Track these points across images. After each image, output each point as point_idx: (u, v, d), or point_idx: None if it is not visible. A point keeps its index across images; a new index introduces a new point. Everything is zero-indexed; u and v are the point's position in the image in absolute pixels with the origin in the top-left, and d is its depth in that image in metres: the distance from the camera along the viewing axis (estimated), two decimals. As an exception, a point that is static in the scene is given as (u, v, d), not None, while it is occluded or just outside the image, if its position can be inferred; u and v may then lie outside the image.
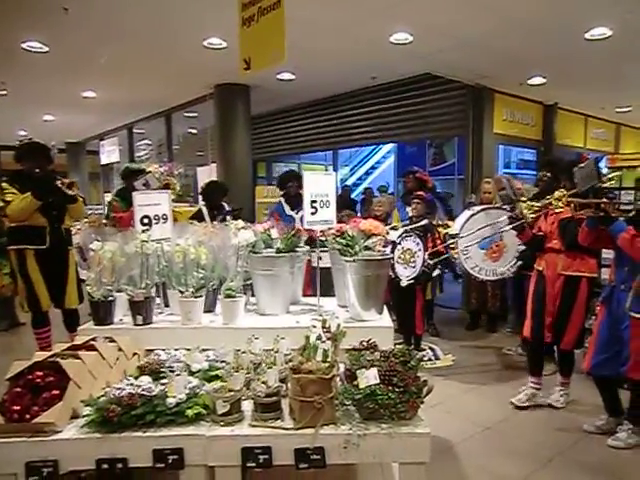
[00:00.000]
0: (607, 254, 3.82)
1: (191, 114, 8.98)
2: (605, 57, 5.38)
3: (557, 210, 3.20)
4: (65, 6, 4.21)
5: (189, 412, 1.84)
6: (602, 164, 4.49)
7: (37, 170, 3.77)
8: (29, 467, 1.74)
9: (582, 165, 3.08)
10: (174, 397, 1.86)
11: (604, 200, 2.99)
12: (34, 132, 8.85)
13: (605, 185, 3.06)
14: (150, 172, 4.13)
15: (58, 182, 3.75)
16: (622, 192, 4.86)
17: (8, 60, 5.84)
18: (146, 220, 2.72)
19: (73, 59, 5.89)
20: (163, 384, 1.94)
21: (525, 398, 3.68)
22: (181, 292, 2.49)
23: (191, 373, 2.09)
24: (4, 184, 3.75)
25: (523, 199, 3.67)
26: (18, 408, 1.78)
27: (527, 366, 3.82)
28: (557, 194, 3.16)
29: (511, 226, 3.65)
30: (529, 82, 6.49)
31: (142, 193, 2.84)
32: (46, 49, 5.43)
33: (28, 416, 1.77)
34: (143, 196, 2.78)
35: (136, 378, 1.99)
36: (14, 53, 5.50)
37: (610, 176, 3.23)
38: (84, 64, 6.10)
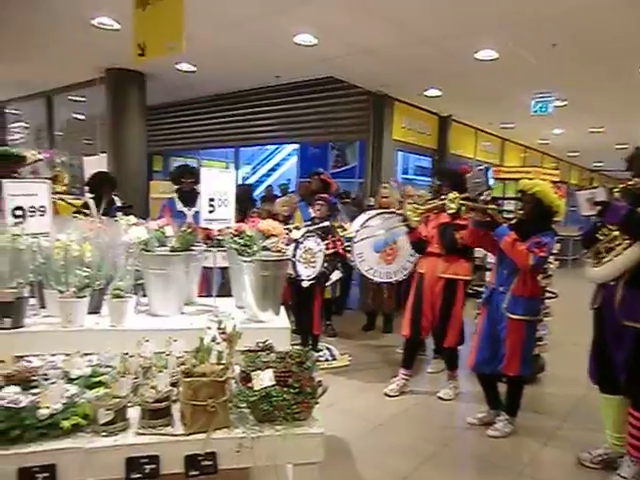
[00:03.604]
0: (490, 258, 4.11)
1: (78, 98, 8.24)
2: (492, 77, 5.91)
3: (449, 211, 3.40)
4: None
5: (65, 423, 1.68)
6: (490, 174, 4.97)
7: None
8: None
9: (474, 173, 3.36)
10: (47, 408, 1.69)
11: (492, 206, 3.28)
12: None
13: (490, 194, 3.35)
14: (41, 160, 3.71)
15: None
16: (505, 201, 5.37)
17: None
18: (19, 212, 2.44)
19: None
20: (34, 394, 1.74)
21: (397, 388, 3.97)
22: (61, 292, 2.27)
23: (70, 380, 1.92)
24: None
25: (409, 202, 3.86)
26: None
27: (402, 361, 4.08)
28: (451, 195, 3.35)
29: (401, 224, 3.86)
30: (426, 94, 6.92)
31: (14, 181, 2.54)
32: None
33: None
34: (15, 185, 2.47)
35: (0, 389, 1.77)
36: None
37: (491, 184, 3.53)
38: None
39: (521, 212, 3.24)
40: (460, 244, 3.67)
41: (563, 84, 6.12)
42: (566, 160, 14.64)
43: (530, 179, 3.30)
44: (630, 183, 2.59)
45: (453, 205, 3.31)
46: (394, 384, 3.99)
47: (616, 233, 2.59)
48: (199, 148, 9.82)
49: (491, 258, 3.90)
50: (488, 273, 4.22)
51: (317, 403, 1.92)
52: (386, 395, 3.93)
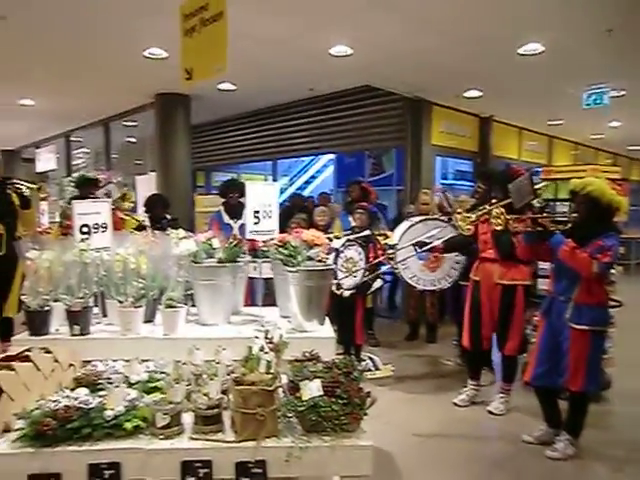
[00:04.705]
0: (544, 265, 3.93)
1: (130, 123, 8.81)
2: (538, 72, 5.69)
3: (497, 227, 3.21)
4: (3, 14, 4.16)
5: (127, 425, 1.81)
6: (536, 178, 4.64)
7: None
8: None
9: (517, 181, 3.14)
10: (112, 410, 1.82)
11: (541, 215, 3.05)
12: None
13: (538, 198, 3.13)
14: (114, 182, 4.11)
15: (17, 185, 3.86)
16: (557, 203, 5.00)
17: None
18: (85, 229, 2.67)
19: (10, 67, 5.78)
20: (101, 396, 1.89)
21: (467, 398, 3.85)
22: (120, 302, 2.43)
23: (130, 385, 2.05)
24: None
25: (459, 211, 3.74)
26: None
27: (467, 372, 3.97)
28: (495, 212, 3.17)
29: (449, 236, 3.79)
30: (465, 95, 6.79)
31: (80, 202, 2.76)
32: None
33: None
34: (83, 205, 2.71)
35: (72, 390, 1.93)
36: None
37: (540, 186, 3.33)
38: (22, 73, 5.99)
39: (575, 215, 2.99)
40: (517, 249, 3.46)
41: (620, 73, 5.78)
42: (625, 155, 13.69)
43: (582, 178, 3.06)
44: None
45: (499, 221, 3.12)
46: (464, 394, 3.88)
47: None
48: (239, 162, 10.08)
49: (544, 265, 3.70)
50: (542, 280, 4.06)
51: (366, 414, 1.92)
52: (455, 405, 3.83)
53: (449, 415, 3.74)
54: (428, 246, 3.88)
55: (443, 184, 8.73)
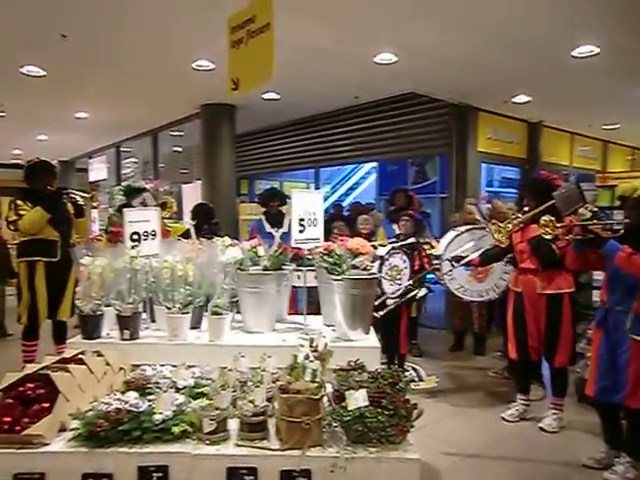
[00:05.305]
0: (597, 275, 3.71)
1: (177, 133, 9.10)
2: (592, 74, 5.45)
3: (546, 237, 3.04)
4: (63, 33, 4.39)
5: (175, 429, 1.84)
6: (585, 185, 4.42)
7: (48, 187, 3.95)
8: (17, 479, 1.75)
9: (563, 189, 3.04)
10: (160, 413, 1.85)
11: (592, 222, 2.87)
12: (28, 151, 9.10)
13: (588, 204, 2.94)
14: (148, 190, 4.26)
15: (72, 194, 4.02)
16: (615, 211, 4.78)
17: (6, 83, 6.09)
18: (135, 236, 2.74)
19: (68, 83, 6.11)
20: (150, 400, 1.93)
21: (517, 413, 3.69)
22: (168, 308, 2.49)
23: (177, 390, 2.09)
24: (18, 201, 3.91)
25: (493, 222, 3.60)
26: (9, 419, 1.80)
27: (515, 386, 3.82)
28: (545, 219, 3.00)
29: (485, 249, 3.69)
30: (514, 100, 6.61)
31: (132, 210, 2.86)
32: (43, 73, 5.63)
33: (18, 427, 1.79)
34: (133, 213, 2.80)
35: (123, 393, 1.99)
36: (13, 77, 5.71)
37: (593, 193, 3.15)
38: (79, 87, 6.32)
39: (627, 221, 2.82)
40: (559, 256, 3.34)
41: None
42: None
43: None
44: None
45: (549, 229, 2.94)
46: (513, 409, 3.71)
47: None
48: (281, 171, 10.20)
49: (597, 275, 3.52)
50: (595, 292, 3.85)
51: (412, 427, 1.88)
52: (504, 420, 3.68)
53: (497, 430, 3.60)
54: (464, 260, 3.81)
55: (489, 192, 8.53)
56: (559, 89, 6.17)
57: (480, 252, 3.87)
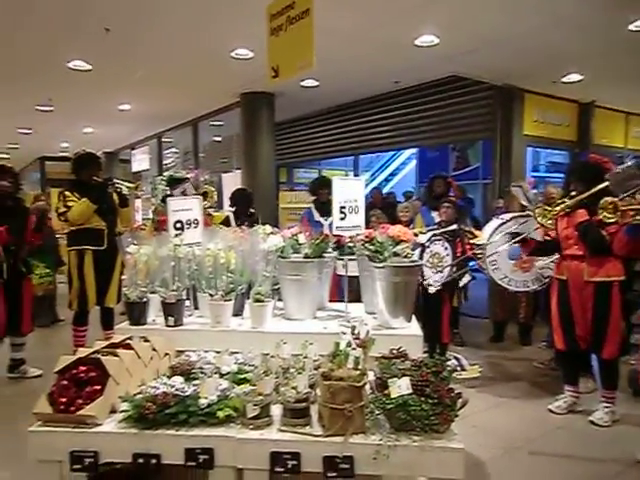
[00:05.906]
0: None
1: (217, 122, 9.21)
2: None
3: (607, 221, 2.90)
4: (107, 27, 4.53)
5: (220, 414, 1.87)
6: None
7: (94, 178, 4.11)
8: (73, 456, 1.84)
9: (619, 170, 2.92)
10: (206, 398, 1.89)
11: None
12: (75, 144, 9.44)
13: None
14: (189, 180, 4.34)
15: (117, 184, 4.19)
16: None
17: (55, 78, 6.33)
18: (179, 225, 2.80)
19: (113, 76, 6.30)
20: (195, 385, 1.98)
21: (565, 405, 3.57)
22: (211, 295, 2.53)
23: (221, 375, 2.12)
24: (66, 192, 4.08)
25: (538, 205, 3.51)
26: (64, 400, 1.89)
27: (563, 377, 3.70)
28: (606, 201, 2.84)
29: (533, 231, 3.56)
30: (563, 80, 6.30)
31: (175, 199, 2.91)
32: (89, 67, 5.85)
33: (73, 408, 1.88)
34: (176, 202, 2.86)
35: (169, 378, 2.04)
36: (61, 72, 5.94)
37: None
38: (123, 80, 6.51)
39: None
40: (609, 242, 3.19)
41: None
42: None
43: None
44: None
45: (609, 214, 2.78)
46: (561, 401, 3.61)
47: None
48: (320, 159, 10.18)
49: None
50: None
51: (457, 416, 1.85)
52: (551, 412, 3.58)
53: (544, 423, 3.49)
54: (521, 236, 3.68)
55: (534, 177, 8.22)
56: (614, 66, 5.82)
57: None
